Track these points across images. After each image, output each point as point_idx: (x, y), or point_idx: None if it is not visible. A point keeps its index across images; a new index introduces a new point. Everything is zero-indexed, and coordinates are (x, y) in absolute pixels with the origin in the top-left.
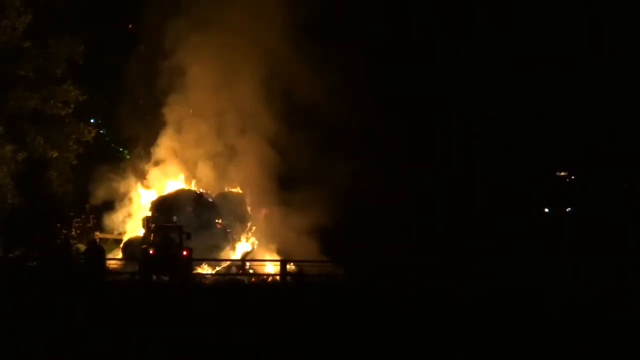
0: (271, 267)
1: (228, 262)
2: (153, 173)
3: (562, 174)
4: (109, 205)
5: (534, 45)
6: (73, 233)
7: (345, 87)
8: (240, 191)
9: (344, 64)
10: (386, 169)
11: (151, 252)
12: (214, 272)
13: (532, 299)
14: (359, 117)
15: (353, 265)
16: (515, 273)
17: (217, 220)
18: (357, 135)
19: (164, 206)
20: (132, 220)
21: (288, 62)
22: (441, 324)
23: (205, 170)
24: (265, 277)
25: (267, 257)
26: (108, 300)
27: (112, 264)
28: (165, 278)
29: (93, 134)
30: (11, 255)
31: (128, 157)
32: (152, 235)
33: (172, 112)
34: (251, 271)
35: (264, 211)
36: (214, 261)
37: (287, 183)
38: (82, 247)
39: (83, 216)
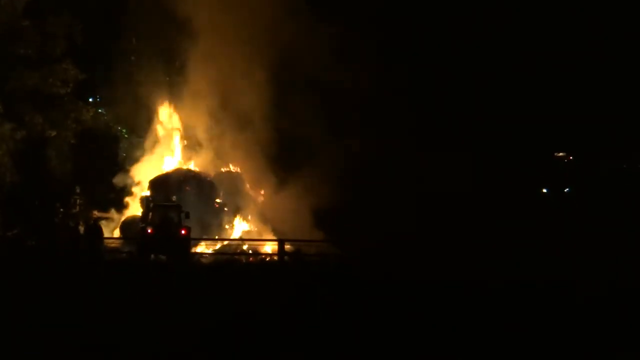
0: (269, 247)
1: (226, 241)
2: (152, 152)
3: (561, 154)
4: (108, 184)
5: (534, 29)
6: (72, 211)
7: (349, 64)
8: (239, 170)
9: (349, 39)
10: (388, 149)
11: (149, 231)
12: (212, 251)
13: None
14: (363, 95)
15: (350, 245)
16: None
17: (215, 200)
18: (360, 114)
19: (162, 185)
20: (130, 199)
21: (290, 38)
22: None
23: (204, 149)
24: (263, 256)
25: (265, 237)
26: (107, 279)
27: (110, 243)
28: (164, 257)
29: (92, 114)
30: (10, 234)
31: (126, 136)
32: (150, 214)
33: (171, 90)
34: (249, 251)
35: (262, 191)
36: (212, 240)
37: (287, 162)
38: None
39: (80, 195)
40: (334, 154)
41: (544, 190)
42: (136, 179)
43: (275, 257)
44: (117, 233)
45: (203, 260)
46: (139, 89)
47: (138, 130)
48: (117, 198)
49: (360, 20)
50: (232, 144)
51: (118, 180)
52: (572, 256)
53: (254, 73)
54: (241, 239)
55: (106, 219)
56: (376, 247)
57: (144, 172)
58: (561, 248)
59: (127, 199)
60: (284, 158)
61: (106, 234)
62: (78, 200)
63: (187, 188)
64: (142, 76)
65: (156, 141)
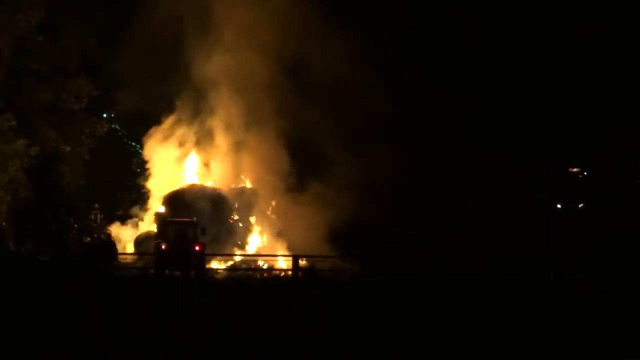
0: (283, 262)
1: (241, 257)
2: (167, 168)
3: (575, 170)
4: (122, 200)
5: (549, 42)
6: (85, 227)
7: (366, 77)
8: (253, 186)
9: (369, 55)
10: (405, 165)
11: (164, 247)
12: (226, 266)
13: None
14: (381, 109)
15: (367, 261)
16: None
17: (230, 216)
18: (377, 128)
19: (177, 201)
20: (145, 215)
21: (308, 52)
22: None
23: (219, 166)
24: (277, 272)
25: (279, 252)
26: (120, 294)
27: (124, 258)
28: (178, 273)
29: (105, 129)
30: (23, 249)
31: (141, 151)
32: (165, 230)
33: (185, 107)
34: (264, 266)
35: (277, 206)
36: (226, 256)
37: (302, 177)
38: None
39: (95, 210)
40: (351, 169)
41: (558, 206)
42: (150, 195)
43: (290, 273)
44: (130, 248)
45: (217, 276)
46: (153, 104)
47: (151, 146)
48: (131, 214)
49: (380, 33)
50: (247, 159)
51: (132, 196)
52: (583, 269)
53: (270, 88)
54: (255, 255)
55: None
56: (391, 262)
57: (159, 188)
58: (573, 261)
59: (141, 215)
60: (299, 173)
61: (119, 250)
62: (92, 216)
63: (202, 204)
64: (156, 91)
65: (171, 156)
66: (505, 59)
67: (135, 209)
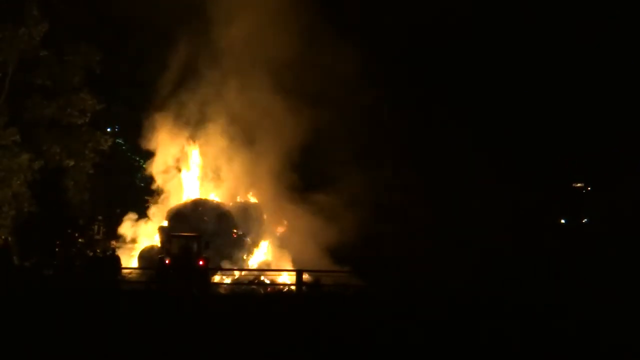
0: (287, 277)
1: (244, 272)
2: (170, 181)
3: (579, 185)
4: (125, 214)
5: (553, 56)
6: (90, 241)
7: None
8: (257, 201)
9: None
10: (404, 180)
11: (167, 261)
12: (230, 281)
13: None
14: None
15: (373, 276)
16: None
17: (234, 230)
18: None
19: (180, 216)
20: (147, 229)
21: (311, 66)
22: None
23: (222, 180)
24: (281, 287)
25: (283, 267)
26: (123, 308)
27: (128, 272)
28: (182, 288)
29: (109, 143)
30: (27, 263)
31: (144, 166)
32: (168, 244)
33: (189, 121)
34: (267, 281)
35: (281, 221)
36: (230, 270)
37: (307, 191)
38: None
39: (98, 225)
40: (357, 184)
41: (562, 221)
42: (154, 210)
43: (293, 288)
44: (135, 263)
45: (221, 290)
46: (157, 118)
47: (155, 161)
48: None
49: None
50: (251, 174)
51: (136, 210)
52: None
53: (274, 103)
54: (259, 269)
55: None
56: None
57: (162, 203)
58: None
59: (145, 229)
60: (305, 187)
61: (124, 264)
62: (97, 230)
63: (205, 218)
64: (160, 106)
65: (174, 171)
66: (511, 74)
67: (139, 223)
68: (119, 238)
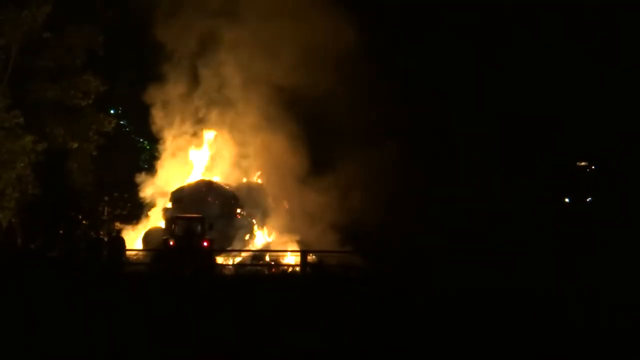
0: (292, 258)
1: (249, 253)
2: (173, 163)
3: (583, 164)
4: (129, 196)
5: (557, 37)
6: (94, 223)
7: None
8: (261, 182)
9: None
10: (406, 160)
11: (171, 243)
12: (234, 262)
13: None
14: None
15: (375, 257)
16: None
17: (237, 211)
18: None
19: (184, 197)
20: (152, 210)
21: (316, 53)
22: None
23: (226, 161)
24: (285, 267)
25: (288, 248)
26: (127, 290)
27: (132, 254)
28: (186, 269)
29: (113, 125)
30: (32, 245)
31: (148, 147)
32: (172, 226)
33: (193, 102)
34: (272, 262)
35: (286, 202)
36: (234, 252)
37: (313, 173)
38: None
39: (103, 207)
40: (362, 166)
41: (566, 200)
42: (158, 191)
43: (298, 269)
44: (139, 244)
45: (225, 271)
46: (160, 99)
47: (160, 142)
48: (138, 210)
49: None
50: (255, 154)
51: (139, 191)
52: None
53: (280, 83)
54: (263, 250)
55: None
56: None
57: (166, 184)
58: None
59: (149, 211)
60: (310, 168)
61: (128, 246)
62: (103, 211)
63: (209, 200)
64: (165, 86)
65: (178, 153)
66: (512, 56)
67: (142, 205)
68: (125, 219)
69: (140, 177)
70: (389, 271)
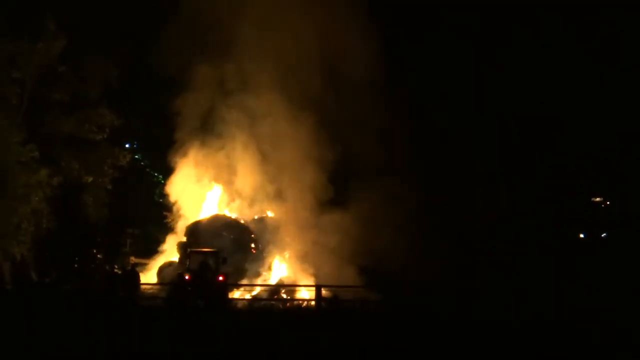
0: (306, 293)
1: (263, 287)
2: (188, 197)
3: (597, 199)
4: (144, 230)
5: (571, 70)
6: (109, 257)
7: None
8: (276, 216)
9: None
10: (428, 197)
11: (186, 277)
12: (249, 297)
13: None
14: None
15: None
16: None
17: (252, 245)
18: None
19: (199, 231)
20: (166, 244)
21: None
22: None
23: (241, 196)
24: (300, 302)
25: (302, 282)
26: (142, 324)
27: (147, 288)
28: (201, 304)
29: (128, 159)
30: (46, 279)
31: (163, 181)
32: (187, 260)
33: (207, 136)
34: (286, 296)
35: (300, 237)
36: (249, 286)
37: (327, 208)
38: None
39: (124, 240)
40: (378, 200)
41: (581, 235)
42: (173, 225)
43: (312, 303)
44: (153, 279)
45: (239, 306)
46: (175, 134)
47: (174, 176)
48: (153, 244)
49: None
50: (270, 189)
51: (154, 226)
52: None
53: (292, 114)
54: (278, 285)
55: (143, 264)
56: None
57: (181, 218)
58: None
59: (164, 245)
60: (324, 203)
61: (143, 280)
62: (125, 244)
63: (224, 234)
64: (179, 121)
65: (193, 187)
66: (530, 88)
67: (157, 239)
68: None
69: (155, 212)
70: (406, 307)
